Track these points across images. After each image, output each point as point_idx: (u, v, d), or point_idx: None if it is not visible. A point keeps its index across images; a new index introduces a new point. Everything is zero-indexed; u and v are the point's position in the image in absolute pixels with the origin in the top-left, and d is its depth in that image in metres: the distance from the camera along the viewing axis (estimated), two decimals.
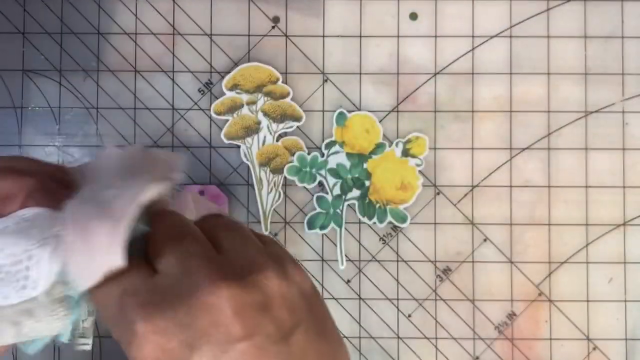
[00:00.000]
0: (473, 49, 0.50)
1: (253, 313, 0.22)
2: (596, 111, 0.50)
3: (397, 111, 0.50)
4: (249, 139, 0.49)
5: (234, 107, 0.49)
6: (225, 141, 0.49)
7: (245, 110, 0.49)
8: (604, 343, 0.49)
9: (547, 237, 0.50)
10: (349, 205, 0.49)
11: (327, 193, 0.49)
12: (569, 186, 0.50)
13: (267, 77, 0.49)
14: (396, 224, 0.49)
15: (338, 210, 0.49)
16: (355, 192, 0.49)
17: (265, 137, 0.49)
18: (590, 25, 0.50)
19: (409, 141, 0.49)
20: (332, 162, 0.49)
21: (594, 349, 0.49)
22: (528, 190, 0.50)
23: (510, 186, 0.50)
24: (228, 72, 0.50)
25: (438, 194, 0.50)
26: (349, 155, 0.49)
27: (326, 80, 0.50)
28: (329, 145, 0.49)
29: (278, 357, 0.22)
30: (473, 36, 0.50)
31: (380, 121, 0.50)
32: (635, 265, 0.50)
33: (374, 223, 0.49)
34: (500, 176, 0.50)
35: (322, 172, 0.49)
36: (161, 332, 0.22)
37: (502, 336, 0.49)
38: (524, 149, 0.50)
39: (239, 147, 0.49)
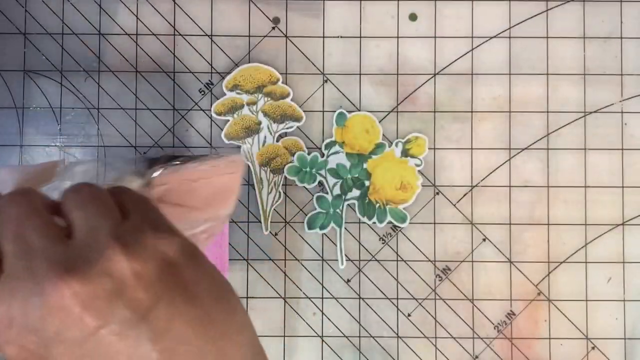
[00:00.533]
0: (472, 49, 0.50)
1: (103, 303, 0.22)
2: (595, 111, 0.50)
3: (397, 111, 0.50)
4: (249, 139, 0.49)
5: (234, 108, 0.49)
6: (226, 141, 0.49)
7: (245, 110, 0.49)
8: (603, 342, 0.50)
9: (546, 237, 0.50)
10: (348, 205, 0.50)
11: (327, 193, 0.50)
12: (568, 186, 0.50)
13: (268, 77, 0.49)
14: (396, 223, 0.50)
15: (338, 210, 0.49)
16: (355, 192, 0.49)
17: (265, 137, 0.49)
18: (589, 25, 0.51)
19: (408, 141, 0.50)
20: (332, 162, 0.50)
21: (593, 348, 0.50)
22: (527, 190, 0.50)
23: (510, 186, 0.50)
24: (228, 73, 0.50)
25: (437, 194, 0.50)
26: (348, 155, 0.50)
27: (326, 81, 0.50)
28: (329, 146, 0.50)
29: (139, 339, 0.22)
30: (472, 37, 0.50)
31: (379, 121, 0.50)
32: (634, 264, 0.50)
33: (374, 223, 0.50)
34: (500, 176, 0.50)
35: (322, 172, 0.50)
36: (18, 338, 0.22)
37: (501, 335, 0.50)
38: (523, 149, 0.50)
39: (239, 147, 0.50)
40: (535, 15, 0.51)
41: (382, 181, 0.49)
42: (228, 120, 0.49)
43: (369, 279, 0.50)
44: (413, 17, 0.50)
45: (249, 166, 0.49)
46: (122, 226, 0.24)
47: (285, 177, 0.50)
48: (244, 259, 0.50)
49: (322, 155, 0.50)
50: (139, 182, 0.30)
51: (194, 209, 0.32)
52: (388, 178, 0.49)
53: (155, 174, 0.30)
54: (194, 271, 0.24)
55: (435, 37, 0.50)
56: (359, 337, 0.50)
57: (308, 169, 0.49)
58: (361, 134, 0.50)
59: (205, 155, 0.32)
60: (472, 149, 0.50)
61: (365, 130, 0.50)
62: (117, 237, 0.23)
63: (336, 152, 0.50)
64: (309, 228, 0.49)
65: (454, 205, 0.50)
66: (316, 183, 0.50)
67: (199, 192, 0.31)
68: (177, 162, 0.31)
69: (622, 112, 0.50)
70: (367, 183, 0.49)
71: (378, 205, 0.49)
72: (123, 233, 0.23)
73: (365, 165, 0.49)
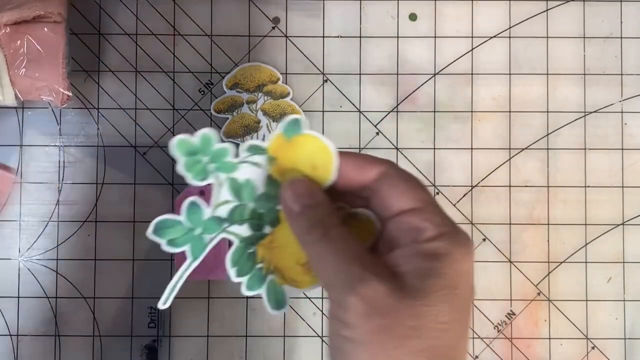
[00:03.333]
0: (472, 49, 0.50)
1: None
2: (595, 111, 0.50)
3: (397, 111, 0.50)
4: (248, 138, 0.49)
5: (234, 106, 0.49)
6: (225, 139, 0.49)
7: (245, 109, 0.49)
8: (602, 342, 0.50)
9: (546, 237, 0.50)
10: None
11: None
12: (567, 186, 0.50)
13: (268, 77, 0.49)
14: None
15: None
16: None
17: (264, 136, 0.49)
18: (589, 25, 0.51)
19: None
20: (243, 172, 0.31)
21: (593, 348, 0.49)
22: (527, 190, 0.50)
23: (510, 186, 0.50)
24: (228, 73, 0.50)
25: (437, 193, 0.50)
26: (269, 180, 0.31)
27: (326, 81, 0.50)
28: (253, 150, 0.31)
29: None
30: (472, 37, 0.51)
31: (378, 122, 0.50)
32: (634, 264, 0.50)
33: None
34: (500, 176, 0.50)
35: (222, 176, 0.31)
36: None
37: (501, 335, 0.50)
38: (523, 149, 0.50)
39: (237, 145, 0.49)
40: (535, 15, 0.51)
41: None
42: (227, 118, 0.49)
43: None
44: (413, 17, 0.51)
45: None
46: None
47: None
48: None
49: (237, 155, 0.31)
50: None
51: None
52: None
53: None
54: None
55: (435, 37, 0.50)
56: None
57: (205, 158, 0.31)
58: (305, 166, 0.30)
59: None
60: (472, 149, 0.50)
61: (311, 165, 0.30)
62: None
63: (255, 164, 0.31)
64: None
65: (454, 205, 0.50)
66: (205, 182, 0.31)
67: None
68: None
69: (622, 112, 0.50)
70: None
71: None
72: None
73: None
